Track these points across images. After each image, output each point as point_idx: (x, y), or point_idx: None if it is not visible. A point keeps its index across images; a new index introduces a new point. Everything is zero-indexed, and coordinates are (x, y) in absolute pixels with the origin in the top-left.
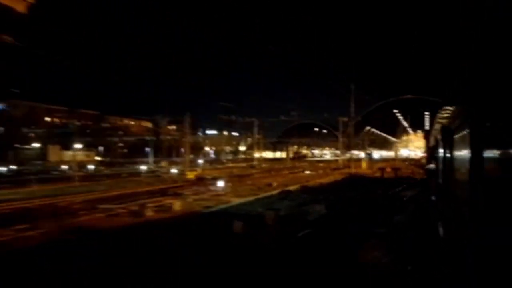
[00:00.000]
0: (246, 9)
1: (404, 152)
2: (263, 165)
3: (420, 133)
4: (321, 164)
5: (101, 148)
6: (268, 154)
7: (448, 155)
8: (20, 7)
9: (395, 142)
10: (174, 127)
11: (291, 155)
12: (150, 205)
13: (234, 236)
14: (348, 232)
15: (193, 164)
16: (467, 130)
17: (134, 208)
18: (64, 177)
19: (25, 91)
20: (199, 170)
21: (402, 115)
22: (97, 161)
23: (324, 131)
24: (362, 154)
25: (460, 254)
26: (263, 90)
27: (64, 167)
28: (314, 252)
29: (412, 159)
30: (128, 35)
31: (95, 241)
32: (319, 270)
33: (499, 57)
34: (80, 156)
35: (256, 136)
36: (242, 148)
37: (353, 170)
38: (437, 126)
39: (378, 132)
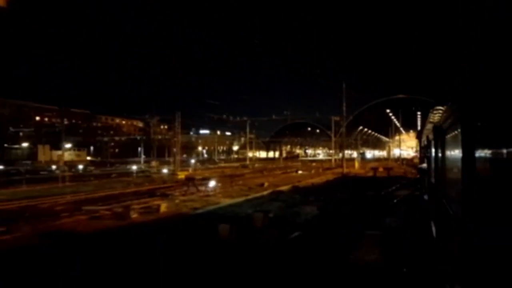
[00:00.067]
0: (236, 7)
1: (396, 152)
2: (256, 165)
3: (412, 133)
4: (314, 164)
5: (92, 148)
6: (262, 154)
7: (440, 154)
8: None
9: (388, 141)
10: (165, 126)
11: (284, 154)
12: (136, 206)
13: (220, 240)
14: (340, 233)
15: (185, 164)
16: (459, 130)
17: (118, 210)
18: (53, 177)
19: (14, 89)
20: (190, 170)
21: (394, 115)
22: (88, 161)
23: (317, 130)
24: (355, 154)
25: (453, 253)
26: (255, 89)
27: (54, 167)
28: (304, 256)
29: (405, 159)
30: (120, 35)
31: (72, 246)
32: (309, 275)
33: (492, 57)
34: (71, 155)
35: (249, 135)
36: (235, 147)
37: (345, 170)
38: (429, 126)
39: (370, 131)
